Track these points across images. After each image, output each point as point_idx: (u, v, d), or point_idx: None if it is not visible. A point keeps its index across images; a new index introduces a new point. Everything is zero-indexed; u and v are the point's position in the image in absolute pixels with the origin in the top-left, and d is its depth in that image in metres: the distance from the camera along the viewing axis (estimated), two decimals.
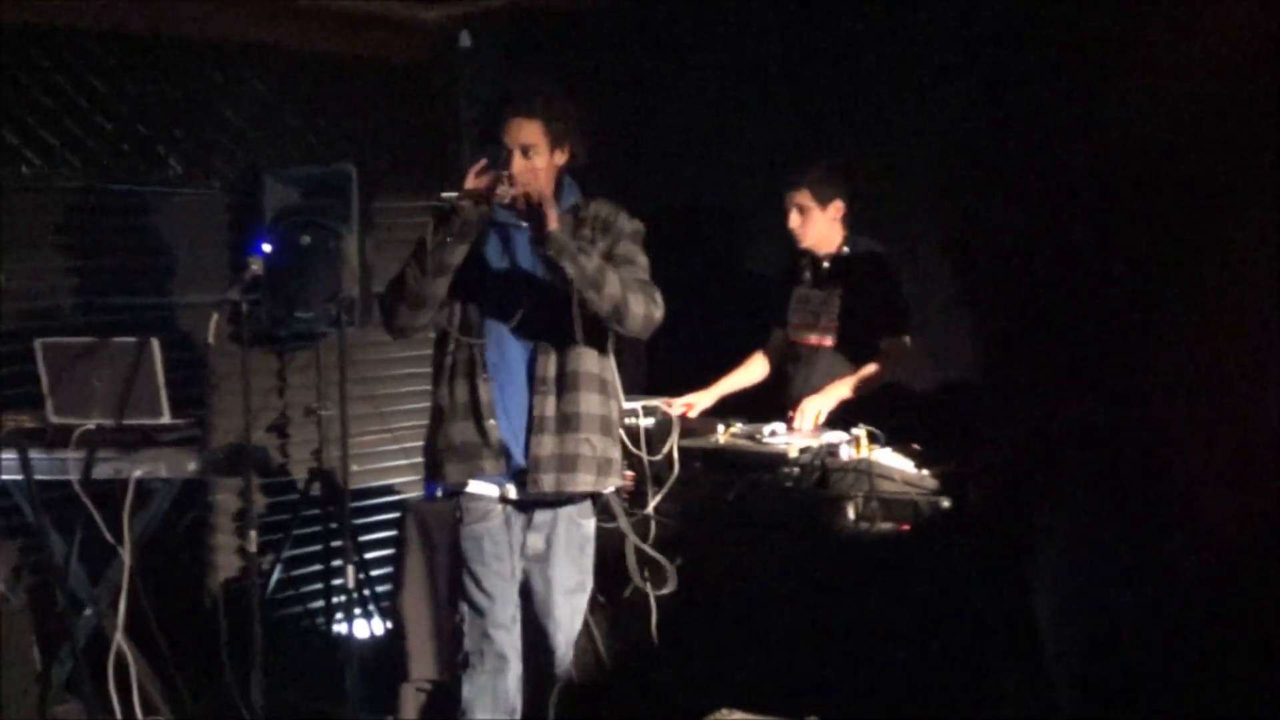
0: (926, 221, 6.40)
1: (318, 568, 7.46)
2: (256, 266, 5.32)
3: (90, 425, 5.81)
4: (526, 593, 5.26)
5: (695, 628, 5.51)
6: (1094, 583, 2.49)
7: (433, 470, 5.25)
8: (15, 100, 6.79)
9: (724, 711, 4.48)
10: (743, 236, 7.44)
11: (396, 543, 6.44)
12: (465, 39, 8.05)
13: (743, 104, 7.14)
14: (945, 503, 5.15)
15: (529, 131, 5.05)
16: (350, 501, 6.43)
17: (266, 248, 5.97)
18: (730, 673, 5.27)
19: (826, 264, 6.31)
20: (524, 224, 4.98)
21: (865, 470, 5.33)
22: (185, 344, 6.76)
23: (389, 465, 7.93)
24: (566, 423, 5.11)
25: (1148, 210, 2.45)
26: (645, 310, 5.06)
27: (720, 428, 5.85)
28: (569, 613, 5.28)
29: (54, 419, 5.88)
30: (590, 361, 5.17)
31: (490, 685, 5.17)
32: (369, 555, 7.35)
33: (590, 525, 5.34)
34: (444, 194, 4.85)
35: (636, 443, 5.68)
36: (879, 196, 6.52)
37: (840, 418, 5.80)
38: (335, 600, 7.31)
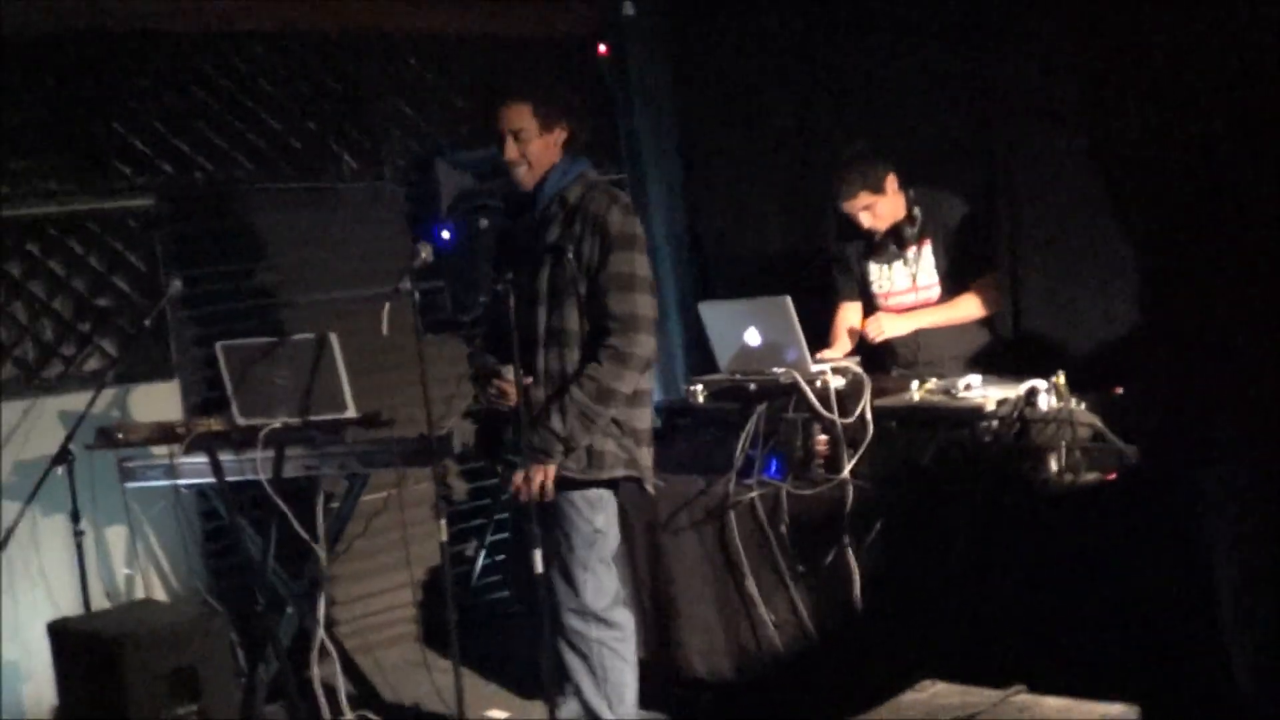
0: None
1: None
2: (426, 254, 5.25)
3: (276, 424, 5.79)
4: None
5: (898, 594, 5.34)
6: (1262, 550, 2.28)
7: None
8: (185, 107, 6.84)
9: (927, 683, 4.31)
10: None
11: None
12: (629, 8, 7.97)
13: (918, 38, 6.90)
14: (1135, 452, 4.93)
15: (517, 114, 5.29)
16: None
17: (445, 234, 5.92)
18: (934, 641, 5.09)
19: (907, 229, 6.29)
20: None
21: (1066, 419, 5.12)
22: (367, 337, 6.74)
23: None
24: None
25: None
26: (629, 381, 5.22)
27: (914, 384, 5.68)
28: None
29: (240, 420, 5.88)
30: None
31: None
32: None
33: None
34: None
35: (828, 404, 5.55)
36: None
37: (1039, 364, 5.62)
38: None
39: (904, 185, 6.26)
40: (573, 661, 5.35)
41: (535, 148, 5.30)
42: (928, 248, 6.25)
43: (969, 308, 6.25)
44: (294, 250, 7.15)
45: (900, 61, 6.87)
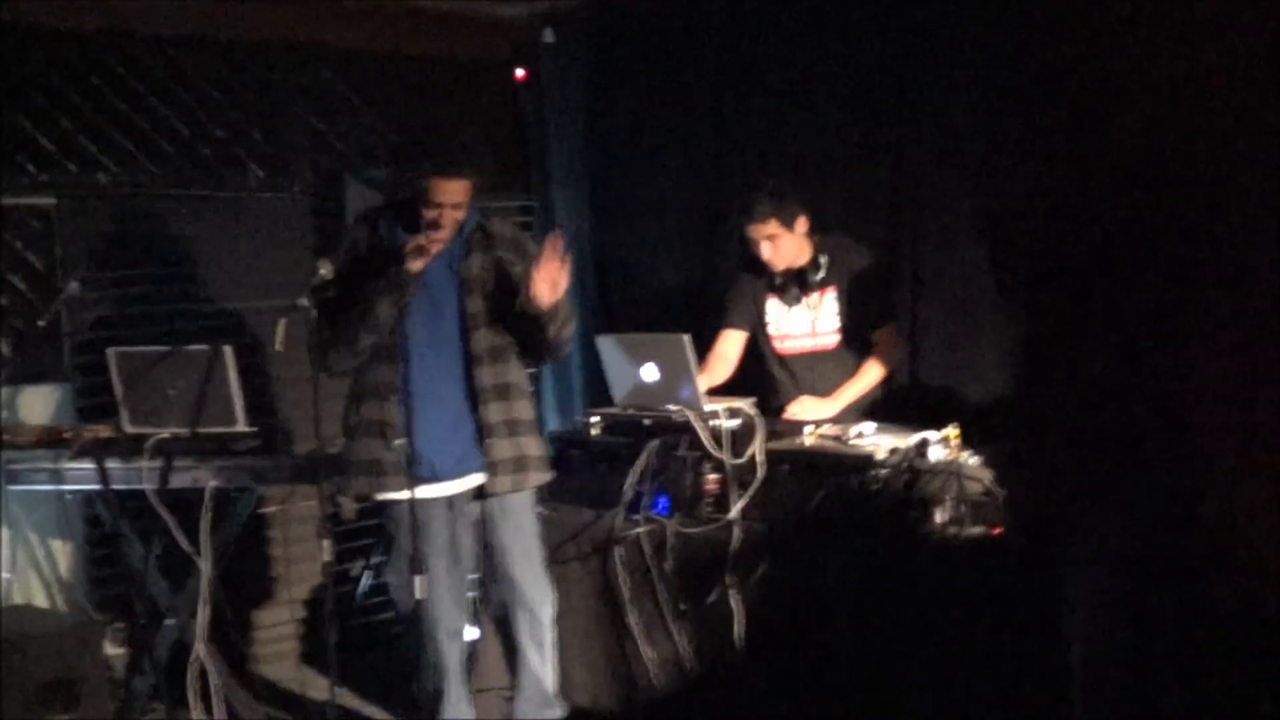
0: (959, 205, 6.26)
1: None
2: (326, 270, 5.22)
3: (165, 434, 5.74)
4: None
5: (779, 637, 5.36)
6: (1133, 605, 2.31)
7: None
8: (93, 107, 6.77)
9: None
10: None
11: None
12: (549, 35, 7.96)
13: (832, 90, 6.94)
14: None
15: (458, 190, 5.32)
16: None
17: None
18: (818, 682, 5.11)
19: (811, 275, 6.29)
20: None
21: (955, 472, 5.16)
22: (263, 350, 6.70)
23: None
24: (515, 428, 5.57)
25: (1200, 189, 2.26)
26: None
27: (807, 429, 5.70)
28: None
29: (129, 428, 5.82)
30: (518, 373, 5.65)
31: None
32: None
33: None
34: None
35: (720, 444, 5.56)
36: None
37: (930, 414, 5.65)
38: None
39: (813, 232, 6.28)
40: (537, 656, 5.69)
41: (462, 213, 5.41)
42: (830, 295, 6.26)
43: (875, 373, 6.27)
44: (195, 258, 7.08)
45: (812, 109, 6.91)
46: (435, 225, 5.31)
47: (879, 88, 6.62)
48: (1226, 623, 2.25)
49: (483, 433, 5.47)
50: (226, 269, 7.14)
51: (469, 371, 5.48)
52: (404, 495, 5.23)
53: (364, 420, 5.45)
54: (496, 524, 5.61)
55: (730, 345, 6.50)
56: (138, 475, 5.74)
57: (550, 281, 5.26)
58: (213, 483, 5.83)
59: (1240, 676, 2.30)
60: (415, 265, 5.25)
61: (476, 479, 5.54)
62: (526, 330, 5.48)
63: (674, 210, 7.66)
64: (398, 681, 6.34)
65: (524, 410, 5.62)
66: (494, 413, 5.48)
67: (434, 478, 5.42)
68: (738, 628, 5.44)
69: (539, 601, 5.65)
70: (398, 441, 5.30)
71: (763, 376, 6.47)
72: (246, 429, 5.78)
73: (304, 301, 5.12)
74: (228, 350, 5.69)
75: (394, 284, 5.25)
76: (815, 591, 5.26)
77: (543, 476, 5.67)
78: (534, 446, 5.62)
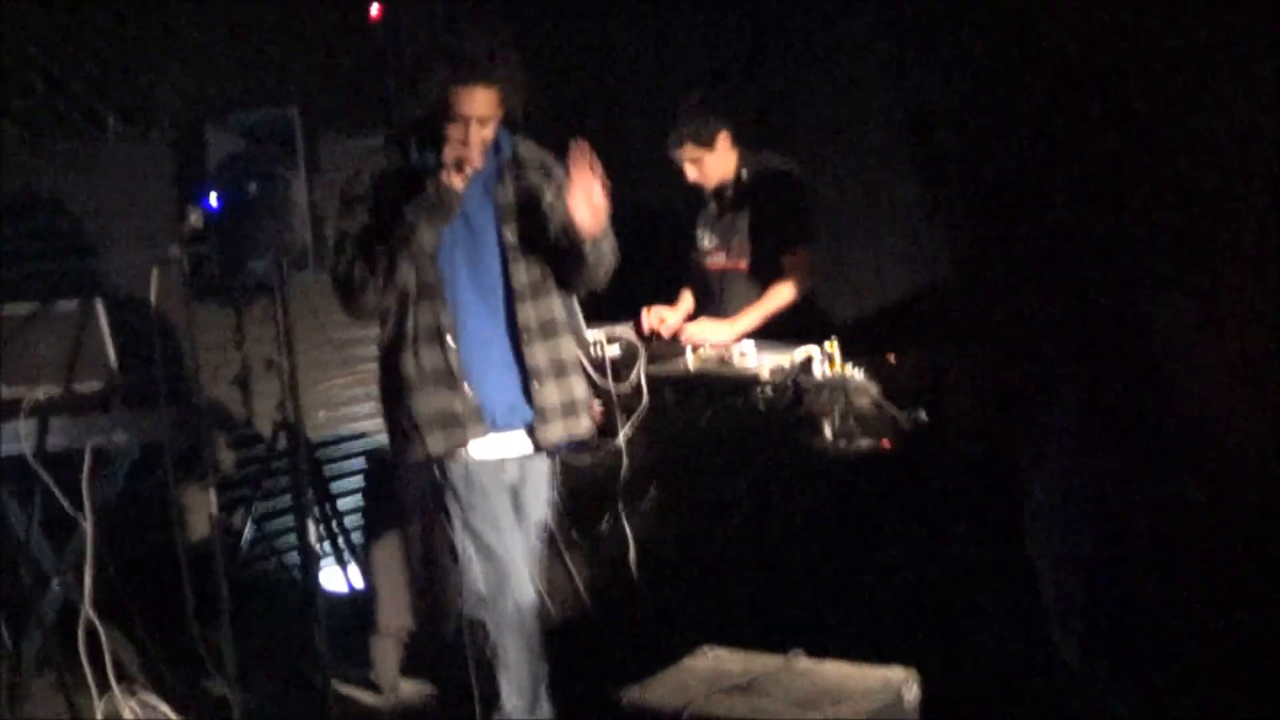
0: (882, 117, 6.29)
1: (291, 522, 7.30)
2: (196, 219, 5.14)
3: (39, 395, 5.63)
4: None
5: (676, 561, 5.38)
6: (1093, 523, 2.32)
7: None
8: None
9: (706, 648, 4.35)
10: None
11: (365, 493, 6.30)
12: None
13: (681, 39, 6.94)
14: (924, 416, 5.01)
15: (485, 101, 4.73)
16: (317, 451, 6.29)
17: (213, 198, 5.79)
18: (712, 606, 5.14)
19: (729, 191, 6.30)
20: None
21: (840, 386, 5.19)
22: (135, 303, 6.58)
23: (358, 410, 7.78)
24: (562, 369, 5.01)
25: (1143, 92, 2.26)
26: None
27: (688, 351, 5.70)
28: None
29: (3, 391, 5.70)
30: (560, 308, 5.09)
31: None
32: (342, 505, 7.21)
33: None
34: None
35: (603, 372, 5.55)
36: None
37: (811, 330, 5.67)
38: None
39: (739, 145, 6.25)
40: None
41: (491, 130, 4.84)
42: (745, 213, 6.23)
43: (784, 295, 6.19)
44: (58, 212, 6.91)
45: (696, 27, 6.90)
46: (464, 144, 4.73)
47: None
48: (1199, 522, 2.27)
49: (529, 376, 4.97)
50: (91, 222, 6.99)
51: (510, 308, 4.97)
52: (492, 450, 4.91)
53: (422, 369, 4.89)
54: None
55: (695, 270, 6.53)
56: (14, 437, 5.63)
57: (588, 202, 4.74)
58: (91, 441, 5.73)
59: (1213, 576, 2.31)
60: (456, 181, 4.70)
61: (522, 433, 5.03)
62: (565, 261, 4.97)
63: (538, 139, 7.60)
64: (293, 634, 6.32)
65: (569, 349, 5.09)
66: (539, 354, 4.99)
67: (494, 427, 4.96)
68: (631, 554, 5.45)
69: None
70: (468, 389, 4.87)
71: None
72: (123, 384, 5.67)
73: (175, 251, 5.03)
74: (99, 303, 5.58)
75: (434, 203, 4.72)
76: (709, 514, 5.29)
77: (590, 424, 5.18)
78: (581, 389, 5.12)
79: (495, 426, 4.92)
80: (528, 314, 4.97)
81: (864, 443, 5.11)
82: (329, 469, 7.44)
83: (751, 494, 5.20)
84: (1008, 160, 2.39)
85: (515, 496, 5.02)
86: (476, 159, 4.74)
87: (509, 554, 4.90)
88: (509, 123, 4.95)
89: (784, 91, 6.66)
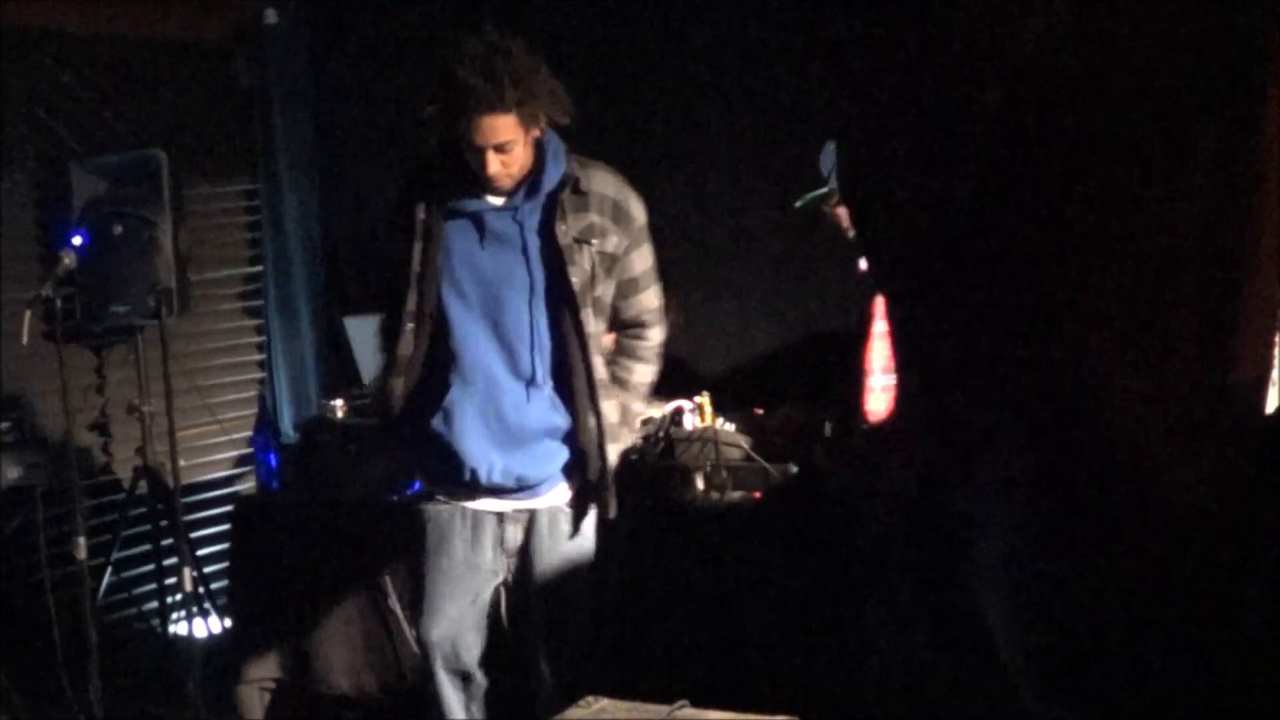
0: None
1: (150, 568, 7.21)
2: (69, 260, 5.13)
3: None
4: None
5: (547, 608, 5.38)
6: (1039, 563, 2.38)
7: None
8: None
9: (590, 699, 4.36)
10: None
11: (232, 538, 6.26)
12: (271, 16, 7.83)
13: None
14: (794, 469, 5.09)
15: (503, 128, 4.39)
16: (180, 497, 6.23)
17: (77, 240, 5.74)
18: (593, 656, 5.16)
19: None
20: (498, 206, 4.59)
21: (711, 439, 5.25)
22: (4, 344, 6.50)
23: (218, 458, 7.71)
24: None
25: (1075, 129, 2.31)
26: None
27: None
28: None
29: None
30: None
31: None
32: (202, 552, 7.14)
33: None
34: None
35: None
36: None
37: (683, 384, 5.73)
38: (170, 601, 7.07)
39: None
40: None
41: (519, 154, 4.49)
42: None
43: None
44: None
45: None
46: (483, 169, 4.45)
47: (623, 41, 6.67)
48: (1142, 535, 2.33)
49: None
50: None
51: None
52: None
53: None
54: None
55: None
56: None
57: None
58: None
59: (1167, 619, 2.38)
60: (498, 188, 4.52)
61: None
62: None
63: None
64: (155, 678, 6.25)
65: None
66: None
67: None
68: (504, 606, 5.45)
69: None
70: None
71: None
72: None
73: (47, 291, 5.00)
74: None
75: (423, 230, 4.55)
76: (579, 563, 5.30)
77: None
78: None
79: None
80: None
81: (735, 495, 5.18)
82: (190, 516, 7.37)
83: (624, 542, 5.23)
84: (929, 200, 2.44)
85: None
86: (504, 182, 4.53)
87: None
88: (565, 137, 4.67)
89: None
